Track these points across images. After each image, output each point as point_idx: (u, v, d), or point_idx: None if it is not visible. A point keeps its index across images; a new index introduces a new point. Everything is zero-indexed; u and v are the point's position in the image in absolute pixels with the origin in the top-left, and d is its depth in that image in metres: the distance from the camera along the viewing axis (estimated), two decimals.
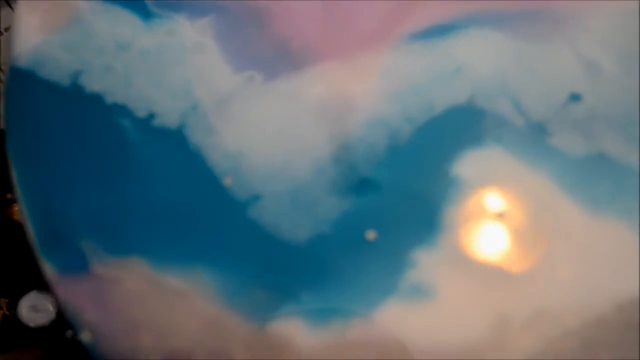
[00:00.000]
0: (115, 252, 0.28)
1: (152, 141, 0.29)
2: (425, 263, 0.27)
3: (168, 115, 0.29)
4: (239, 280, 0.27)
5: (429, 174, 0.28)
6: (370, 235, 0.27)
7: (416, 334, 0.26)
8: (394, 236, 0.27)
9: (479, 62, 0.29)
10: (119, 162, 0.29)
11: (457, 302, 0.26)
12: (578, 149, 0.28)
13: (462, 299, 0.26)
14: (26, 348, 0.33)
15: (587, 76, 0.28)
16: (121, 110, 0.29)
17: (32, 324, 0.31)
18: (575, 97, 0.28)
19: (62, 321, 0.30)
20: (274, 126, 0.29)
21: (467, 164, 0.27)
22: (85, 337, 0.28)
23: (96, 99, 0.29)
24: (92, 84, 0.30)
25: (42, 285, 0.30)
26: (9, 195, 0.32)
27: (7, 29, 0.35)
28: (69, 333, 0.29)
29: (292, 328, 0.27)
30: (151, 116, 0.29)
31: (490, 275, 0.27)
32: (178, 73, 0.29)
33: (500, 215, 0.27)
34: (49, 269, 0.29)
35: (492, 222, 0.27)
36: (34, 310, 0.31)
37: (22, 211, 0.29)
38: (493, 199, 0.27)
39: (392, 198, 0.27)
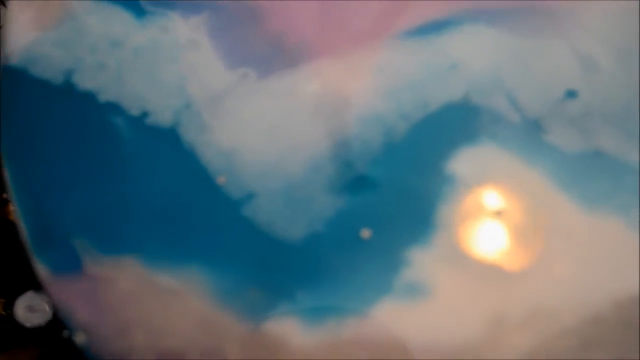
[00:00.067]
0: (109, 252, 0.28)
1: (146, 139, 0.29)
2: (421, 261, 0.27)
3: (161, 113, 0.29)
4: (233, 279, 0.27)
5: (424, 172, 0.27)
6: (365, 233, 0.27)
7: (412, 333, 0.26)
8: (389, 234, 0.27)
9: (474, 58, 0.28)
10: (112, 161, 0.29)
11: (453, 301, 0.26)
12: (574, 146, 0.27)
13: (458, 298, 0.26)
14: (22, 348, 0.33)
15: (583, 72, 0.28)
16: (114, 108, 0.29)
17: (28, 324, 0.31)
18: (571, 94, 0.28)
19: (59, 321, 0.30)
20: (268, 124, 0.28)
21: (463, 161, 0.27)
22: (79, 338, 0.28)
23: (89, 97, 0.29)
24: (85, 81, 0.30)
25: (39, 286, 0.30)
26: (4, 195, 0.32)
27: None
28: (65, 333, 0.29)
29: (287, 327, 0.27)
30: (144, 114, 0.29)
31: (486, 273, 0.27)
32: (171, 71, 0.29)
33: (498, 213, 0.27)
34: (41, 269, 0.29)
35: (488, 219, 0.27)
36: (30, 310, 0.31)
37: (14, 211, 0.29)
38: (489, 197, 0.27)
39: (387, 196, 0.27)
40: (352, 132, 0.28)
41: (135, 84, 0.29)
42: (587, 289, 0.26)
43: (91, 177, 0.29)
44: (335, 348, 0.26)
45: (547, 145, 0.27)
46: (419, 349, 0.26)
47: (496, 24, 0.29)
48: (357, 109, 0.28)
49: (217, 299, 0.27)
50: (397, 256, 0.27)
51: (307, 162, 0.28)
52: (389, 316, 0.26)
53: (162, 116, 0.29)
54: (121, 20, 0.30)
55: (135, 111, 0.29)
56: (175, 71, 0.29)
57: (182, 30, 0.30)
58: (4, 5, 0.32)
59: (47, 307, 0.30)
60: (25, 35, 0.30)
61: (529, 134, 0.28)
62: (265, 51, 0.29)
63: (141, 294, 0.28)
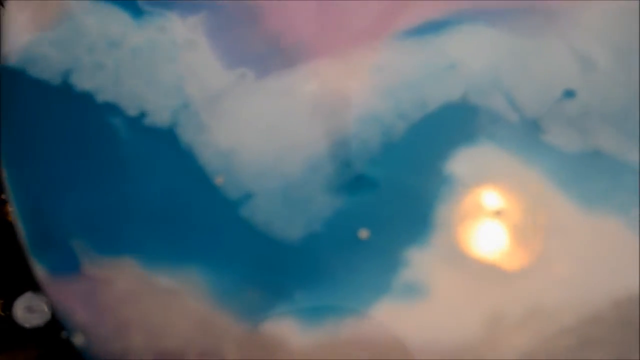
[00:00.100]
0: (107, 252, 0.28)
1: (144, 140, 0.29)
2: (419, 261, 0.27)
3: (159, 114, 0.29)
4: (231, 280, 0.27)
5: (423, 172, 0.27)
6: (363, 234, 0.27)
7: (410, 333, 0.26)
8: (387, 234, 0.27)
9: (473, 58, 0.28)
10: (110, 161, 0.29)
11: (452, 301, 0.26)
12: (573, 146, 0.27)
13: (457, 297, 0.26)
14: (21, 349, 0.33)
15: (582, 72, 0.28)
16: (112, 108, 0.29)
17: (27, 325, 0.31)
18: (569, 93, 0.28)
19: (57, 322, 0.30)
20: (266, 124, 0.28)
21: (461, 161, 0.27)
22: (77, 339, 0.28)
23: (87, 98, 0.29)
24: (83, 82, 0.30)
25: (37, 286, 0.30)
26: (2, 196, 0.32)
27: None
28: (64, 334, 0.29)
29: (285, 327, 0.27)
30: (142, 114, 0.29)
31: (484, 273, 0.26)
32: (169, 71, 0.29)
33: (496, 213, 0.27)
34: (39, 270, 0.29)
35: (486, 219, 0.27)
36: (29, 311, 0.31)
37: (13, 211, 0.29)
38: (487, 197, 0.27)
39: (385, 196, 0.27)
40: (350, 132, 0.28)
41: (133, 84, 0.29)
42: (586, 288, 0.26)
43: (89, 178, 0.29)
44: (333, 348, 0.26)
45: (545, 145, 0.27)
46: (417, 349, 0.26)
47: (495, 24, 0.29)
48: (355, 109, 0.28)
49: (216, 299, 0.27)
50: (396, 256, 0.27)
51: (305, 162, 0.28)
52: (387, 316, 0.26)
53: (160, 116, 0.29)
54: (119, 21, 0.30)
55: (133, 111, 0.29)
56: (173, 71, 0.29)
57: (180, 30, 0.30)
58: (2, 5, 0.32)
59: (46, 308, 0.30)
60: (24, 36, 0.30)
61: (528, 133, 0.27)
62: (263, 51, 0.29)
63: (139, 295, 0.28)
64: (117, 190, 0.29)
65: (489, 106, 0.28)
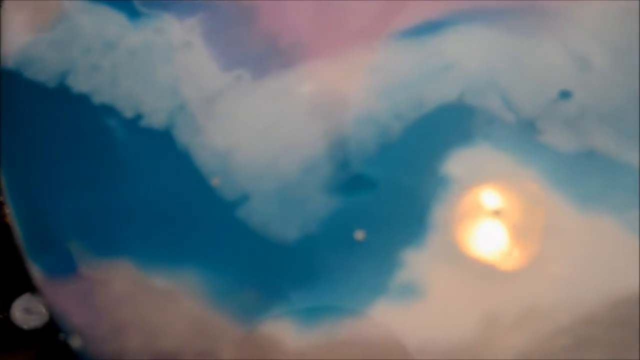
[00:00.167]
0: (103, 254, 0.28)
1: (140, 141, 0.29)
2: (415, 262, 0.27)
3: (156, 115, 0.29)
4: (227, 281, 0.27)
5: (419, 172, 0.27)
6: (359, 234, 0.27)
7: (406, 333, 0.26)
8: (383, 235, 0.27)
9: (469, 59, 0.28)
10: (106, 163, 0.29)
11: (448, 301, 0.26)
12: (569, 146, 0.27)
13: (453, 298, 0.26)
14: (20, 350, 0.33)
15: (578, 72, 0.28)
16: (109, 110, 0.29)
17: (25, 327, 0.31)
18: (565, 94, 0.28)
19: (55, 323, 0.30)
20: (262, 125, 0.28)
21: (457, 162, 0.27)
22: (74, 342, 0.28)
23: (83, 99, 0.29)
24: (80, 84, 0.30)
25: (36, 288, 0.30)
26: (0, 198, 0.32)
27: None
28: (62, 336, 0.29)
29: (282, 328, 0.27)
30: (139, 116, 0.29)
31: (480, 273, 0.26)
32: (166, 72, 0.29)
33: (492, 214, 0.27)
34: (36, 272, 0.29)
35: (482, 220, 0.27)
36: (27, 312, 0.31)
37: (9, 213, 0.29)
38: (483, 197, 0.27)
39: (382, 197, 0.27)
40: (346, 133, 0.28)
41: (129, 86, 0.29)
42: (582, 288, 0.26)
43: (85, 180, 0.29)
44: (329, 349, 0.26)
45: (541, 145, 0.27)
46: (413, 350, 0.26)
47: (491, 25, 0.29)
48: (351, 110, 0.28)
49: (212, 300, 0.27)
50: (392, 257, 0.27)
51: (302, 163, 0.28)
52: (384, 317, 0.26)
53: (156, 118, 0.29)
54: (115, 22, 0.30)
55: (129, 113, 0.29)
56: (169, 73, 0.29)
57: (177, 32, 0.30)
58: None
59: (44, 310, 0.30)
60: (20, 38, 0.30)
61: (524, 134, 0.27)
62: (260, 52, 0.29)
63: (136, 296, 0.28)
64: (113, 192, 0.29)
65: (485, 107, 0.28)
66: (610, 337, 0.26)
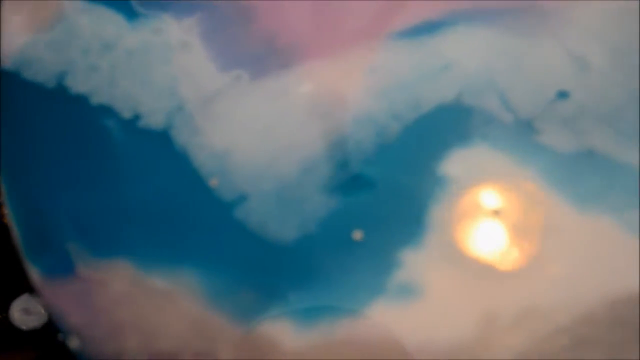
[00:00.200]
0: (101, 254, 0.28)
1: (138, 142, 0.29)
2: (413, 262, 0.27)
3: (154, 116, 0.29)
4: (225, 281, 0.27)
5: (417, 172, 0.27)
6: (357, 235, 0.27)
7: (404, 334, 0.26)
8: (381, 235, 0.27)
9: (467, 59, 0.28)
10: (104, 163, 0.29)
11: (446, 301, 0.26)
12: (567, 146, 0.27)
13: (451, 298, 0.26)
14: (18, 351, 0.33)
15: (576, 72, 0.28)
16: (107, 111, 0.29)
17: (24, 327, 0.31)
18: (563, 94, 0.28)
19: (54, 324, 0.30)
20: (260, 125, 0.28)
21: (455, 162, 0.27)
22: (73, 343, 0.28)
23: (82, 100, 0.29)
24: (78, 84, 0.30)
25: (34, 288, 0.30)
26: None
27: None
28: (61, 336, 0.29)
29: (280, 329, 0.27)
30: (137, 117, 0.29)
31: (478, 273, 0.26)
32: (164, 73, 0.29)
33: (490, 214, 0.27)
34: (34, 272, 0.29)
35: (480, 220, 0.27)
36: (26, 313, 0.31)
37: (8, 213, 0.29)
38: (481, 197, 0.27)
39: (380, 197, 0.27)
40: (344, 133, 0.28)
41: (127, 87, 0.29)
42: (580, 288, 0.26)
43: (83, 180, 0.29)
44: (328, 349, 0.26)
45: (539, 145, 0.27)
46: (412, 350, 0.26)
47: (489, 25, 0.29)
48: (350, 110, 0.28)
49: (210, 301, 0.27)
50: (390, 257, 0.27)
51: (300, 164, 0.28)
52: (382, 317, 0.26)
53: (154, 119, 0.29)
54: (113, 23, 0.30)
55: (127, 113, 0.29)
56: (167, 73, 0.29)
57: (174, 32, 0.30)
58: None
59: (42, 310, 0.30)
60: (18, 38, 0.30)
61: (522, 134, 0.27)
62: (258, 52, 0.29)
63: (134, 297, 0.28)
64: (111, 192, 0.29)
65: (483, 107, 0.28)
66: (609, 337, 0.26)
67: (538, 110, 0.28)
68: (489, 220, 0.27)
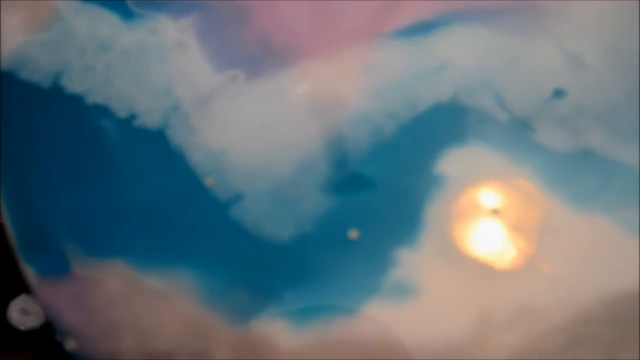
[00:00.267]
0: (97, 254, 0.28)
1: (134, 142, 0.29)
2: (409, 261, 0.27)
3: (150, 116, 0.29)
4: (221, 281, 0.27)
5: (412, 172, 0.27)
6: (353, 234, 0.27)
7: (400, 333, 0.26)
8: (377, 234, 0.27)
9: (463, 58, 0.28)
10: (100, 163, 0.29)
11: (441, 300, 0.26)
12: (563, 145, 0.27)
13: (446, 297, 0.26)
14: (17, 351, 0.33)
15: (572, 71, 0.28)
16: (102, 110, 0.29)
17: (22, 327, 0.31)
18: (559, 93, 0.28)
19: (52, 324, 0.30)
20: (256, 125, 0.28)
21: (451, 162, 0.27)
22: (69, 344, 0.28)
23: (77, 100, 0.29)
24: (73, 84, 0.30)
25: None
26: None
27: None
28: (58, 337, 0.29)
29: (275, 328, 0.27)
30: (132, 116, 0.29)
31: (474, 272, 0.26)
32: (160, 73, 0.29)
33: (486, 213, 0.27)
34: (29, 272, 0.29)
35: (476, 219, 0.27)
36: (24, 313, 0.31)
37: (3, 213, 0.29)
38: (477, 196, 0.27)
39: (375, 196, 0.27)
40: (340, 133, 0.28)
41: (123, 86, 0.29)
42: (576, 287, 0.26)
43: (79, 180, 0.29)
44: (323, 348, 0.26)
45: (535, 144, 0.27)
46: (408, 348, 0.26)
47: (485, 24, 0.29)
48: (345, 110, 0.28)
49: (205, 300, 0.27)
50: (386, 256, 0.27)
51: (296, 163, 0.28)
52: (378, 316, 0.26)
53: (150, 118, 0.29)
54: (109, 23, 0.30)
55: (123, 113, 0.29)
56: (163, 73, 0.29)
57: (170, 33, 0.30)
58: None
59: (41, 310, 0.30)
60: (14, 38, 0.30)
61: (518, 133, 0.27)
62: (254, 52, 0.29)
63: (129, 297, 0.28)
64: (107, 192, 0.29)
65: (479, 106, 0.28)
66: (605, 336, 0.26)
67: (534, 109, 0.28)
68: (484, 219, 0.27)
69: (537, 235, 0.27)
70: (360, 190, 0.27)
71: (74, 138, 0.29)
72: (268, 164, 0.28)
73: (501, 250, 0.27)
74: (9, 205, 0.29)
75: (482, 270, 0.27)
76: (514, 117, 0.28)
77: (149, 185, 0.28)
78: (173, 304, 0.27)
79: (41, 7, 0.31)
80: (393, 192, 0.27)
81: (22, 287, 0.30)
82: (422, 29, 0.29)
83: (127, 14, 0.30)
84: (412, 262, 0.27)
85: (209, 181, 0.28)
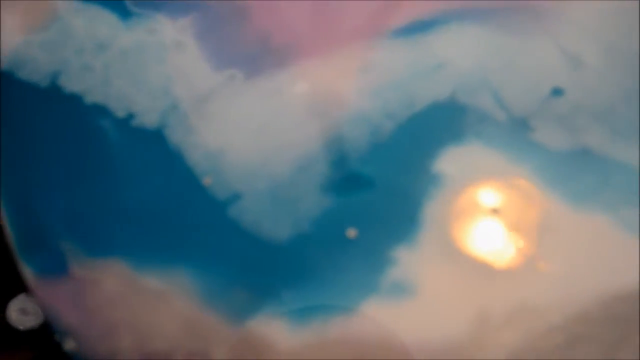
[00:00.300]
0: (95, 254, 0.28)
1: (132, 141, 0.29)
2: (407, 260, 0.27)
3: (148, 115, 0.29)
4: (219, 280, 0.27)
5: (411, 171, 0.27)
6: (351, 233, 0.27)
7: (398, 332, 0.26)
8: (375, 233, 0.27)
9: (461, 57, 0.28)
10: (98, 162, 0.29)
11: (439, 299, 0.26)
12: (561, 144, 0.27)
13: (444, 296, 0.26)
14: (16, 351, 0.33)
15: (570, 70, 0.28)
16: (101, 110, 0.29)
17: (21, 327, 0.31)
18: (557, 92, 0.28)
19: (52, 324, 0.30)
20: (255, 124, 0.28)
21: (449, 161, 0.27)
22: (68, 345, 0.28)
23: (76, 100, 0.29)
24: (72, 84, 0.30)
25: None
26: None
27: None
28: (58, 337, 0.29)
29: (274, 328, 0.27)
30: (131, 116, 0.29)
31: (472, 271, 0.26)
32: (158, 72, 0.29)
33: (485, 212, 0.27)
34: (28, 272, 0.29)
35: (474, 218, 0.27)
36: (23, 313, 0.31)
37: (1, 213, 0.29)
38: (475, 195, 0.27)
39: (373, 195, 0.27)
40: (338, 132, 0.28)
41: (121, 86, 0.29)
42: (574, 286, 0.26)
43: (77, 179, 0.29)
44: (322, 348, 0.26)
45: (533, 143, 0.27)
46: (406, 347, 0.26)
47: (483, 23, 0.29)
48: (344, 109, 0.28)
49: (204, 300, 0.27)
50: (384, 255, 0.27)
51: (294, 162, 0.28)
52: (376, 315, 0.26)
53: (148, 118, 0.29)
54: (107, 23, 0.30)
55: (121, 113, 0.29)
56: (161, 73, 0.29)
57: (169, 32, 0.30)
58: None
59: (39, 310, 0.30)
60: (13, 38, 0.30)
61: (516, 132, 0.27)
62: (253, 52, 0.29)
63: (128, 296, 0.28)
64: (105, 192, 0.29)
65: (477, 105, 0.28)
66: (604, 335, 0.26)
67: (533, 108, 0.28)
68: (483, 218, 0.27)
69: (536, 234, 0.27)
70: (358, 190, 0.27)
71: (73, 138, 0.29)
72: (266, 164, 0.28)
73: (500, 249, 0.27)
74: (8, 205, 0.29)
75: (480, 270, 0.27)
76: (512, 116, 0.28)
77: (147, 184, 0.28)
78: (171, 303, 0.27)
79: (40, 7, 0.31)
80: (391, 191, 0.27)
81: (20, 287, 0.30)
82: (420, 28, 0.29)
83: (125, 14, 0.30)
84: (410, 261, 0.26)
85: (207, 181, 0.28)
